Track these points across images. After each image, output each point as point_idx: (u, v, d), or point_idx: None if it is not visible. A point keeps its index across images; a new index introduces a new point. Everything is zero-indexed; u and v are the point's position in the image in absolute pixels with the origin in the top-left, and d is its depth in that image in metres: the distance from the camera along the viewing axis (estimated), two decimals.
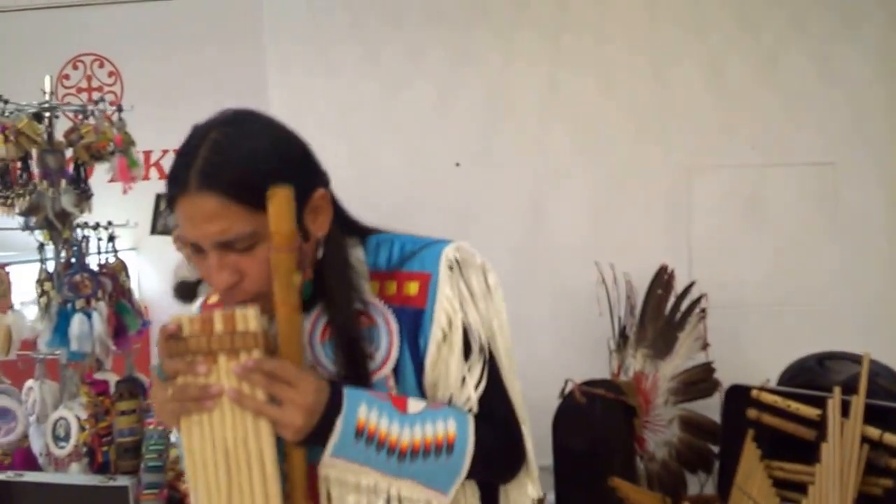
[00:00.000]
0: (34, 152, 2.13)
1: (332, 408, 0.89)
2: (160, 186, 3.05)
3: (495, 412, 1.00)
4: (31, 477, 1.87)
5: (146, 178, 2.86)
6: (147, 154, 3.16)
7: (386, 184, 2.95)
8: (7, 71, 3.02)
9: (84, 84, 3.35)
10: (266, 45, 3.15)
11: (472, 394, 0.97)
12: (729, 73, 2.97)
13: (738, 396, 2.21)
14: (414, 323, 0.97)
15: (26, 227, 2.14)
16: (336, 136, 2.92)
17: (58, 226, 2.12)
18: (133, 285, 2.35)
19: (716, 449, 2.58)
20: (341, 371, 0.96)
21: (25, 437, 2.15)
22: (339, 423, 0.89)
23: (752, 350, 2.84)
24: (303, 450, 0.92)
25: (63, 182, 2.12)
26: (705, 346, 2.70)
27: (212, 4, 3.25)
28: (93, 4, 3.29)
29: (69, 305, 2.09)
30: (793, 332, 2.81)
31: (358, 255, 1.01)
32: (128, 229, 2.42)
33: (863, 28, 2.91)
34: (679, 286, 2.74)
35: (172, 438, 1.97)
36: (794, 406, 2.05)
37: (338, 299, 0.96)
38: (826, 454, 1.91)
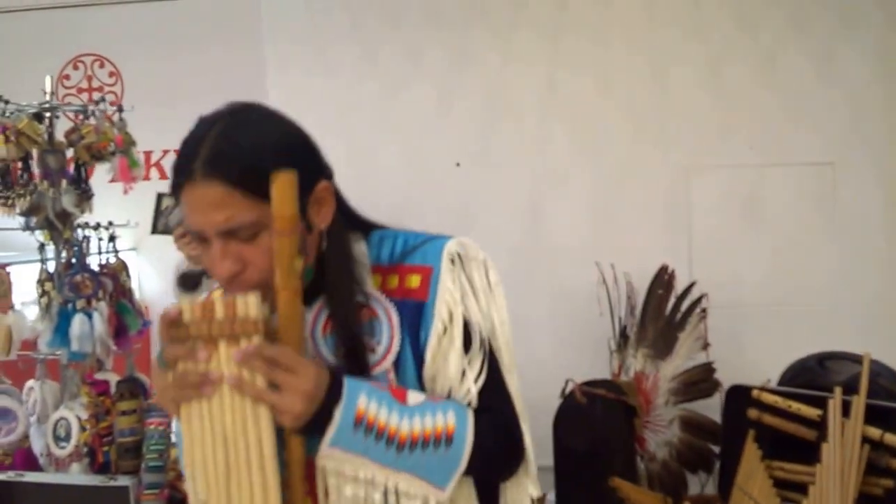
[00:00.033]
0: (35, 152, 2.12)
1: (332, 396, 0.89)
2: (161, 186, 3.07)
3: (495, 407, 1.00)
4: (31, 477, 1.87)
5: (147, 178, 2.85)
6: (147, 154, 3.16)
7: (385, 184, 2.94)
8: (7, 71, 3.01)
9: (84, 84, 3.35)
10: (265, 45, 3.15)
11: (471, 386, 0.97)
12: (727, 73, 2.97)
13: (739, 396, 2.21)
14: (415, 316, 0.98)
15: (27, 228, 2.13)
16: (335, 136, 2.90)
17: (58, 226, 2.12)
18: (134, 285, 2.34)
19: (716, 449, 2.59)
20: (342, 364, 0.96)
21: (26, 437, 2.15)
22: (339, 412, 0.89)
23: (752, 350, 2.84)
24: (301, 438, 0.91)
25: (64, 182, 2.12)
26: (706, 346, 2.70)
27: (211, 5, 3.26)
28: (93, 5, 3.29)
29: (70, 305, 2.09)
30: (792, 332, 2.82)
31: (361, 249, 1.01)
32: (128, 229, 2.42)
33: (861, 28, 2.91)
34: (678, 286, 2.75)
35: (173, 438, 1.97)
36: (795, 406, 2.05)
37: (340, 291, 0.97)
38: (827, 454, 1.92)
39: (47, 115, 2.13)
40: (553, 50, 3.04)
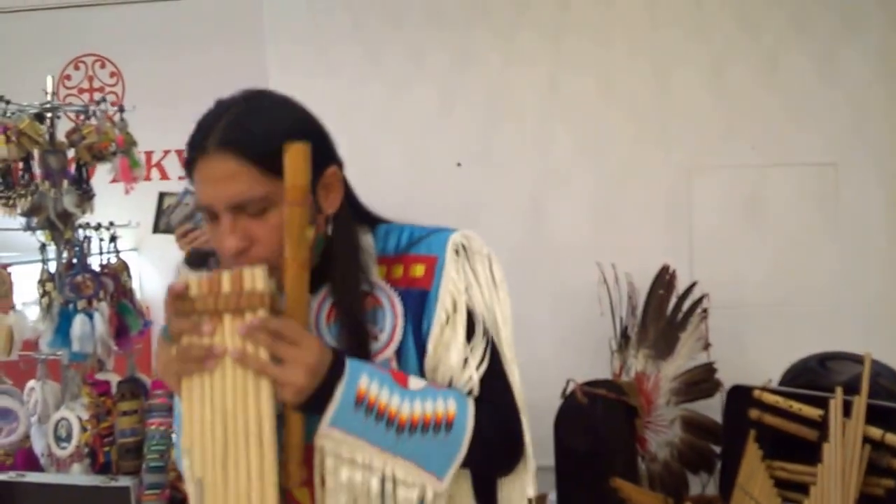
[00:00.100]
0: (36, 153, 2.13)
1: (334, 374, 0.89)
2: (162, 187, 3.08)
3: (496, 400, 1.00)
4: (32, 477, 1.87)
5: (148, 178, 2.86)
6: (148, 154, 3.17)
7: (386, 184, 2.92)
8: (8, 71, 3.02)
9: (85, 84, 3.35)
10: (266, 45, 3.15)
11: (473, 374, 0.97)
12: (729, 73, 2.97)
13: (740, 397, 2.21)
14: (419, 304, 0.98)
15: (28, 228, 2.14)
16: (336, 136, 2.91)
17: (59, 226, 2.12)
18: (135, 286, 2.35)
19: (717, 449, 2.59)
20: (345, 351, 0.96)
21: (27, 437, 2.15)
22: (340, 390, 0.89)
23: (753, 350, 2.84)
24: (301, 417, 0.91)
25: (65, 182, 2.12)
26: (707, 346, 2.70)
27: (212, 5, 3.26)
28: (94, 5, 3.29)
29: (71, 306, 2.09)
30: (794, 333, 2.81)
31: (367, 240, 1.02)
32: (129, 230, 2.42)
33: (863, 28, 2.91)
34: (679, 286, 2.74)
35: (174, 438, 1.97)
36: (796, 406, 2.05)
37: (345, 278, 0.97)
38: (828, 454, 1.91)
39: (48, 115, 2.13)
40: (555, 50, 3.04)
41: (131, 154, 2.24)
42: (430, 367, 0.98)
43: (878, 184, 2.92)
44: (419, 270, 1.00)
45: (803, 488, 1.96)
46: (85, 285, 2.09)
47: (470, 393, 0.98)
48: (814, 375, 2.28)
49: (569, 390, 2.49)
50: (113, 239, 2.25)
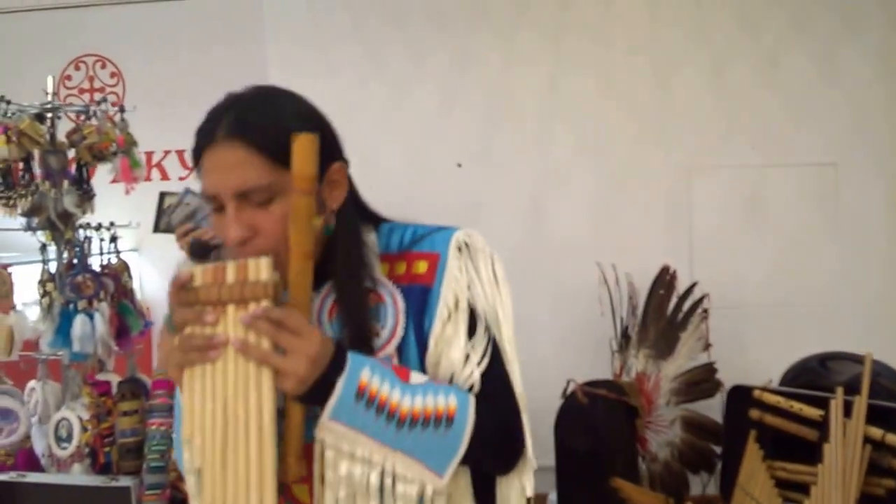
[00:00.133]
0: (36, 153, 2.12)
1: (335, 365, 0.89)
2: (162, 187, 3.08)
3: (496, 397, 1.00)
4: (33, 478, 1.87)
5: (148, 178, 2.87)
6: (149, 155, 3.17)
7: (387, 184, 2.90)
8: (9, 71, 3.02)
9: (86, 85, 3.35)
10: (267, 45, 3.15)
11: (474, 370, 0.97)
12: (729, 73, 2.97)
13: (741, 397, 2.21)
14: (421, 301, 0.98)
15: (29, 228, 2.13)
16: None
17: (60, 226, 2.12)
18: (135, 286, 2.35)
19: (718, 449, 2.59)
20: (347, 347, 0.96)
21: (28, 437, 2.15)
22: (341, 382, 0.88)
23: (753, 350, 2.85)
24: (301, 410, 0.91)
25: (65, 183, 2.12)
26: (707, 346, 2.70)
27: (213, 6, 3.26)
28: (94, 5, 3.29)
29: (71, 306, 2.09)
30: (794, 333, 2.82)
31: (371, 238, 1.03)
32: (130, 230, 2.42)
33: (863, 29, 2.91)
34: (680, 286, 2.75)
35: (174, 437, 1.97)
36: (797, 406, 2.05)
37: (348, 273, 0.97)
38: (828, 455, 1.91)
39: (49, 115, 2.13)
40: (555, 50, 3.04)
41: (132, 154, 2.24)
42: (432, 364, 0.98)
43: (878, 184, 2.93)
44: (422, 267, 1.00)
45: (804, 488, 1.96)
46: (85, 285, 2.09)
47: (471, 389, 0.98)
48: (814, 375, 2.28)
49: (569, 390, 2.49)
50: (113, 239, 2.25)
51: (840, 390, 1.96)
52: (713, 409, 2.65)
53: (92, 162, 2.18)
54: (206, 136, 0.93)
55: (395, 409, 0.90)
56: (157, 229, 2.77)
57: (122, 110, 2.27)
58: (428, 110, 3.08)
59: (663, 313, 2.69)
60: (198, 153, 0.95)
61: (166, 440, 1.95)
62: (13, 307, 2.19)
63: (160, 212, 2.76)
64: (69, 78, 3.35)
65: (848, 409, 1.94)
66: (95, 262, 2.20)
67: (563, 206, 3.04)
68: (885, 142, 2.93)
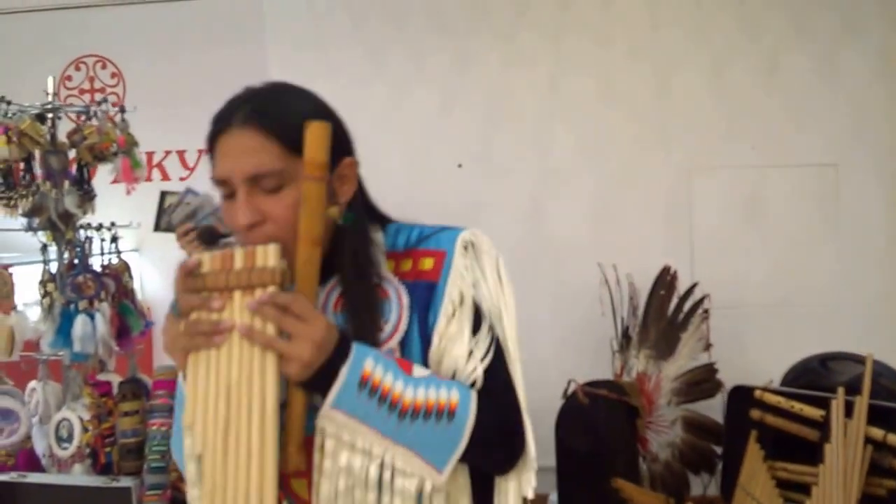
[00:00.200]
0: (37, 153, 2.12)
1: (340, 353, 0.89)
2: (163, 187, 3.08)
3: (499, 395, 1.00)
4: (34, 478, 1.87)
5: (149, 179, 2.87)
6: (150, 155, 3.17)
7: (387, 185, 2.90)
8: (10, 72, 3.02)
9: (87, 85, 3.35)
10: (267, 46, 3.15)
11: (478, 366, 0.98)
12: (730, 74, 2.97)
13: (741, 397, 2.21)
14: (426, 297, 0.99)
15: (29, 229, 2.13)
16: None
17: (61, 227, 2.12)
18: (136, 286, 2.35)
19: (719, 450, 2.59)
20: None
21: (28, 438, 2.15)
22: (345, 370, 0.89)
23: (754, 350, 2.85)
24: (303, 399, 0.91)
25: (66, 183, 2.12)
26: (708, 346, 2.70)
27: (214, 6, 3.26)
28: (95, 6, 3.30)
29: (72, 306, 2.09)
30: (795, 333, 2.82)
31: (378, 236, 1.04)
32: (131, 230, 2.42)
33: (863, 30, 2.92)
34: (680, 287, 2.75)
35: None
36: (798, 407, 2.05)
37: (356, 272, 0.98)
38: (829, 455, 1.91)
39: (50, 115, 2.13)
40: (555, 51, 3.04)
41: (132, 154, 2.24)
42: (435, 360, 0.99)
43: (878, 184, 2.93)
44: (428, 264, 1.01)
45: (805, 489, 1.96)
46: (86, 286, 2.09)
47: (473, 385, 0.98)
48: (815, 376, 2.28)
49: (570, 391, 2.49)
50: (114, 239, 2.25)
51: (841, 390, 1.96)
52: (714, 409, 2.65)
53: (93, 162, 2.18)
54: (222, 122, 0.95)
55: (398, 400, 0.91)
56: (157, 228, 2.78)
57: (122, 111, 2.27)
58: (428, 111, 3.08)
59: (664, 313, 2.69)
60: (213, 139, 0.96)
61: (167, 440, 1.95)
62: (14, 307, 2.19)
63: (161, 211, 2.77)
64: (70, 78, 3.35)
65: (849, 410, 1.94)
66: (96, 263, 2.20)
67: (563, 207, 3.04)
68: (885, 142, 2.93)
